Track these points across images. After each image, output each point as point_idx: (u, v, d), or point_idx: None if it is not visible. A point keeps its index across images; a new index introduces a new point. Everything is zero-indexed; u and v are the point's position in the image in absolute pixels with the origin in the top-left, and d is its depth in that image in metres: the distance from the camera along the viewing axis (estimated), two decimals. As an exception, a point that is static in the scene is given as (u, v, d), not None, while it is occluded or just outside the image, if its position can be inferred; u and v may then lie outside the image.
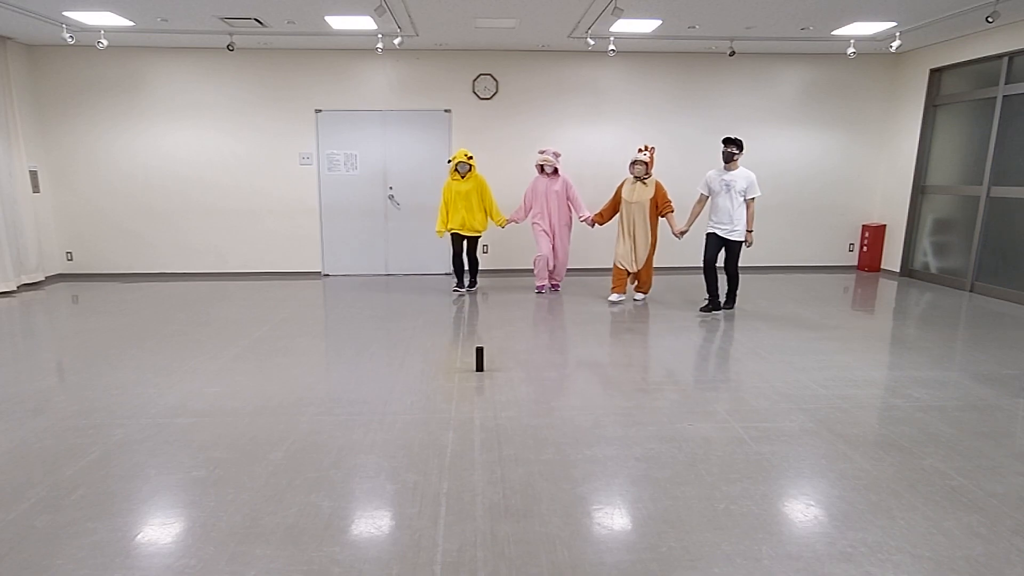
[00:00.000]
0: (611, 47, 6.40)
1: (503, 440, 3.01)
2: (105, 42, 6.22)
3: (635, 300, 6.21)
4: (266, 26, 6.17)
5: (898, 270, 7.75)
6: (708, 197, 5.66)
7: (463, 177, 6.24)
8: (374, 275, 7.86)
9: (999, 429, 3.16)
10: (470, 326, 5.26)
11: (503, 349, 4.54)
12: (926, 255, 7.50)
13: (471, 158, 6.22)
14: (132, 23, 6.08)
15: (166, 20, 6.01)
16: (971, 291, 6.73)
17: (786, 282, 7.30)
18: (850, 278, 7.62)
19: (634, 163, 5.88)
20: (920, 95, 7.36)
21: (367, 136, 7.55)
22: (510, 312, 5.74)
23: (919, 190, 7.52)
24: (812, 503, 2.45)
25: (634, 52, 7.46)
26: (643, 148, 5.93)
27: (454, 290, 6.64)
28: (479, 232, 6.45)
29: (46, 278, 7.30)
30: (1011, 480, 2.64)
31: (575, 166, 7.42)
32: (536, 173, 6.42)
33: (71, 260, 7.61)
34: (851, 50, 6.64)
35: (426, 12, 5.72)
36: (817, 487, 2.58)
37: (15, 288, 6.67)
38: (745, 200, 5.44)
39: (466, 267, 6.65)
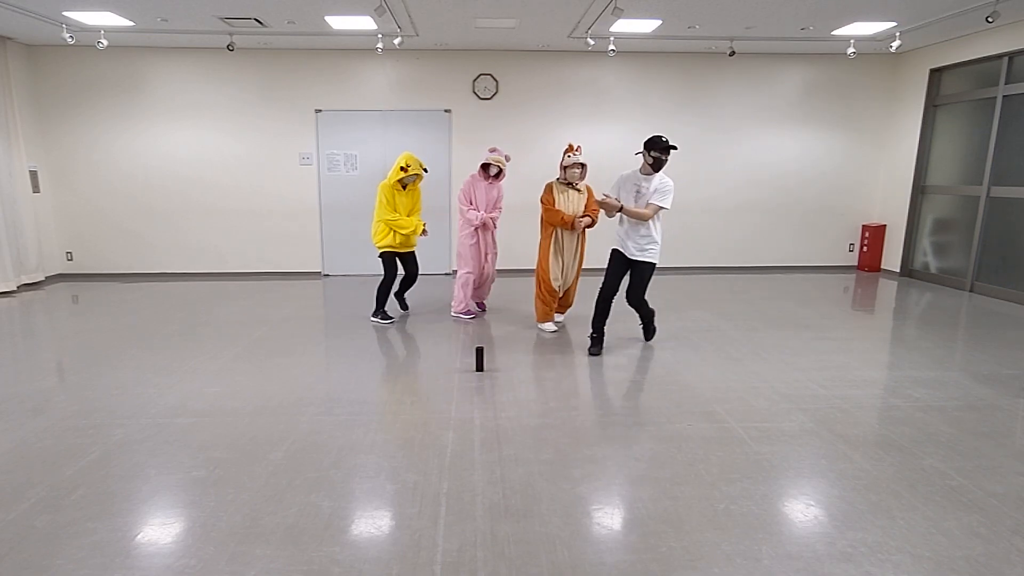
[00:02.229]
0: (611, 47, 6.39)
1: (503, 440, 3.01)
2: (105, 42, 6.22)
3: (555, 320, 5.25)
4: (266, 26, 6.17)
5: (898, 270, 7.75)
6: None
7: (404, 188, 5.15)
8: (374, 275, 7.82)
9: (999, 429, 3.16)
10: (470, 327, 5.25)
11: (503, 349, 4.54)
12: (926, 255, 7.50)
13: (425, 170, 5.20)
14: (132, 23, 6.08)
15: (166, 20, 6.01)
16: (971, 291, 6.73)
17: (786, 282, 7.30)
18: (850, 278, 7.62)
19: (570, 167, 4.71)
20: (920, 95, 7.36)
21: (367, 136, 7.54)
22: (509, 313, 5.75)
23: (919, 190, 7.52)
24: (812, 503, 2.45)
25: (634, 52, 7.46)
26: (576, 148, 4.76)
27: (388, 320, 5.38)
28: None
29: (46, 278, 7.30)
30: (1011, 480, 2.64)
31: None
32: (476, 172, 5.28)
33: (71, 260, 7.61)
34: (851, 50, 6.64)
35: (426, 12, 5.72)
36: (817, 487, 2.58)
37: (15, 288, 6.67)
38: (648, 202, 4.21)
39: (395, 288, 5.60)
